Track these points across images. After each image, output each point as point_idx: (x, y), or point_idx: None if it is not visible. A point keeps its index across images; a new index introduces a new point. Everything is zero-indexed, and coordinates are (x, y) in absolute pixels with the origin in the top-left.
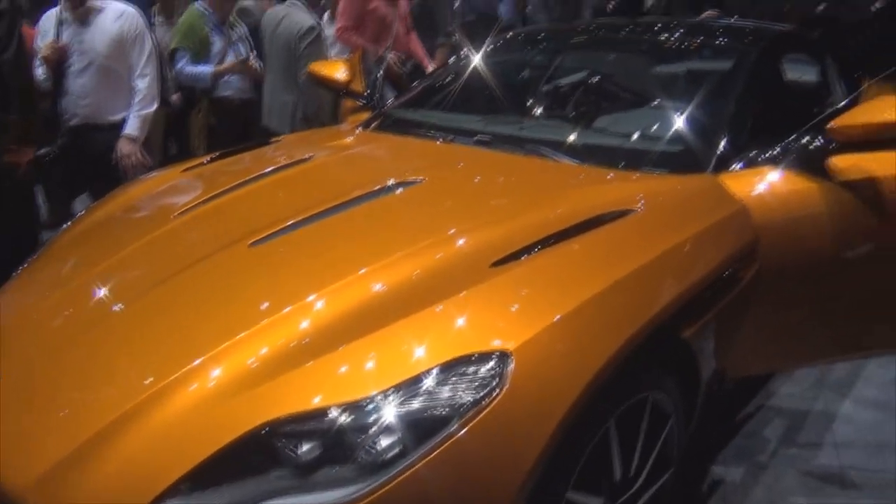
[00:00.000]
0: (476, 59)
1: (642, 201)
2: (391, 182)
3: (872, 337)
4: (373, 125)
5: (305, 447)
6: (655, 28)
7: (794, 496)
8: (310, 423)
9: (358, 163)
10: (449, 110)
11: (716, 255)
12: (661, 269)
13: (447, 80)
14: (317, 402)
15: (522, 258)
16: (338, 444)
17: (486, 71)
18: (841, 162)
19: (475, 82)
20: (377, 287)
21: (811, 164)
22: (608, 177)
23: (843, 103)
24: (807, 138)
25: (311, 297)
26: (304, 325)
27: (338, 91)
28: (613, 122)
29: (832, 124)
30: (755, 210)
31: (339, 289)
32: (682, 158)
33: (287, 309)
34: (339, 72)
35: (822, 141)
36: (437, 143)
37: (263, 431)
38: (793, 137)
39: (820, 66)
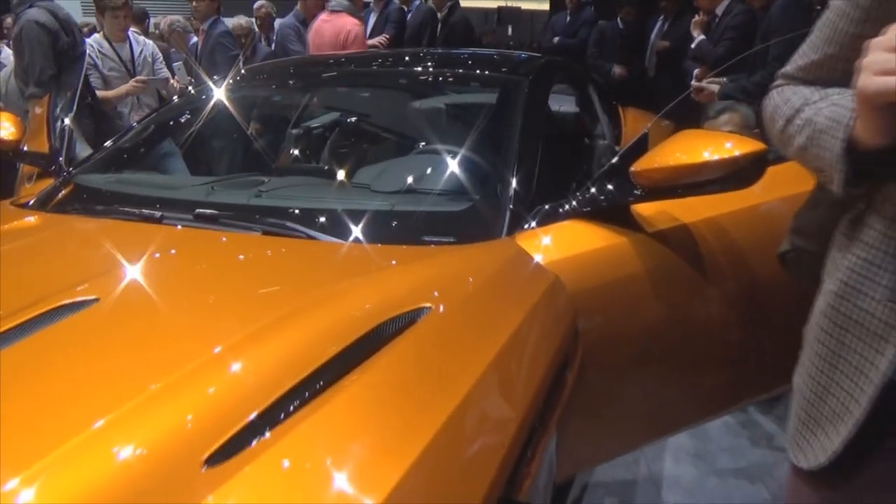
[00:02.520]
0: (193, 101)
1: (437, 290)
2: (42, 309)
3: (720, 395)
4: (52, 202)
5: None
6: (414, 58)
7: None
8: None
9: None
10: (162, 171)
11: (545, 354)
12: (487, 404)
13: (158, 129)
14: None
15: (267, 435)
16: None
17: (209, 116)
18: (648, 210)
19: (196, 131)
20: None
21: (616, 215)
22: (383, 257)
23: (634, 140)
24: (605, 184)
25: None
26: None
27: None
28: (376, 179)
29: (635, 168)
30: (565, 278)
31: None
32: (470, 221)
33: None
34: None
35: (623, 187)
36: (138, 225)
37: None
38: (590, 184)
39: (581, 96)
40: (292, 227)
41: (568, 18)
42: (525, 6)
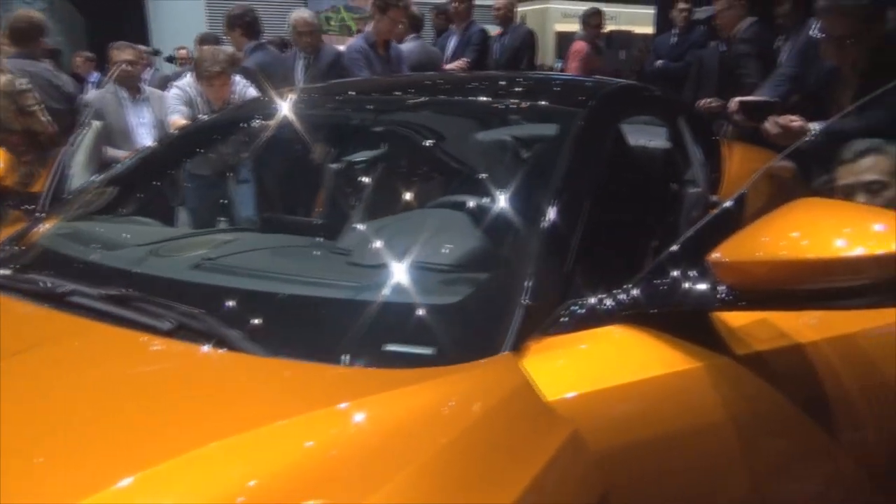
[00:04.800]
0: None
1: (346, 477)
2: None
3: None
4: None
5: None
6: (453, 83)
7: None
8: None
9: None
10: (127, 219)
11: None
12: None
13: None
14: None
15: None
16: None
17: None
18: (741, 319)
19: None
20: None
21: (688, 324)
22: (304, 389)
23: (730, 202)
24: (673, 273)
25: None
26: None
27: None
28: (361, 244)
29: (718, 258)
30: (594, 426)
31: None
32: (461, 322)
33: None
34: None
35: (698, 280)
36: (28, 308)
37: None
38: (647, 271)
39: (672, 130)
40: (205, 324)
41: (674, 39)
42: (638, 30)
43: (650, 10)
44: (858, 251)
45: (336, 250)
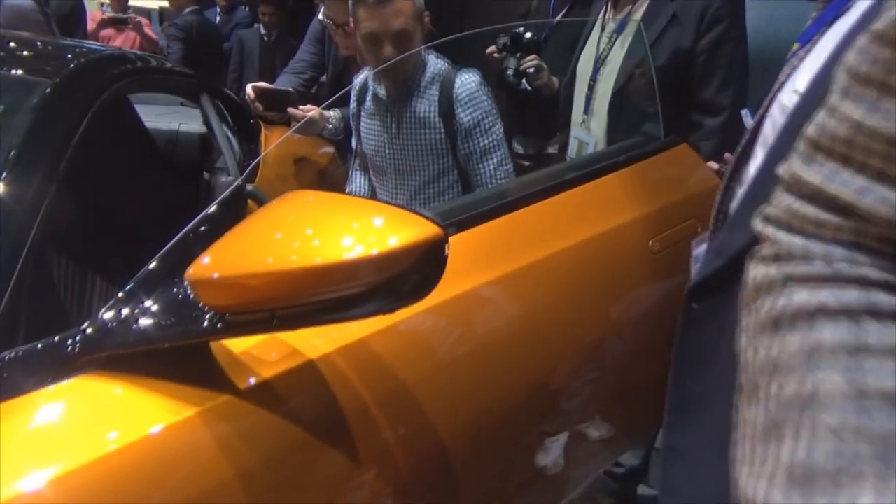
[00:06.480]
0: None
1: None
2: None
3: None
4: None
5: None
6: None
7: None
8: None
9: None
10: None
11: None
12: None
13: None
14: None
15: None
16: None
17: None
18: (246, 342)
19: None
20: None
21: (178, 358)
22: None
23: (227, 193)
24: (147, 295)
25: None
26: None
27: None
28: None
29: (193, 275)
30: None
31: None
32: None
33: None
34: None
35: (182, 303)
36: None
37: None
38: (118, 295)
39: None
40: None
41: (218, 18)
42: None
43: None
44: (355, 253)
45: None
